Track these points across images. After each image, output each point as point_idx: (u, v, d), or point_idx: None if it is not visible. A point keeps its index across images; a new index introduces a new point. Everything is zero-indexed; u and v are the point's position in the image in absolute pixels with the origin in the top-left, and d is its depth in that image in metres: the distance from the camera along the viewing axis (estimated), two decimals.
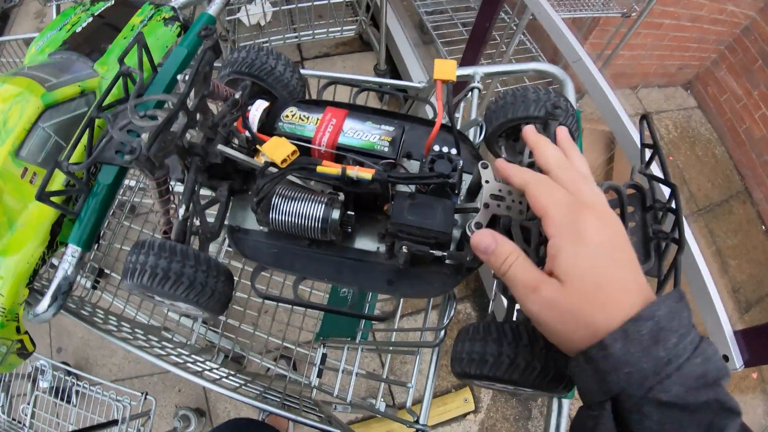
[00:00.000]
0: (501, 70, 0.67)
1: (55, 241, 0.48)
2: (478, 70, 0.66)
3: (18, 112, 0.45)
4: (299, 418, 0.46)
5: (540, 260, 0.38)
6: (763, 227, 2.07)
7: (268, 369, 0.96)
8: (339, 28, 1.67)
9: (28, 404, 1.04)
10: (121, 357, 1.41)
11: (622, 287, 0.28)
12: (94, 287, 0.89)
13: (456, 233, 0.43)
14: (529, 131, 0.38)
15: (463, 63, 1.39)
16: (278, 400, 0.63)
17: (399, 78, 1.76)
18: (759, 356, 0.73)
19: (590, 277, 0.28)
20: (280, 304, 1.00)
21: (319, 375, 0.80)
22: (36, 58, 0.55)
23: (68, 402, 1.07)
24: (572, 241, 0.29)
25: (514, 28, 1.43)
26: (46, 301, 0.43)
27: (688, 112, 2.39)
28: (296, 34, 1.63)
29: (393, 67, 1.83)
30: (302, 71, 0.53)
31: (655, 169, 0.44)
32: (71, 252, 0.45)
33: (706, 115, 2.38)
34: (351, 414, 1.37)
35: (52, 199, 0.41)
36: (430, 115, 1.02)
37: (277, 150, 0.37)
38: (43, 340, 1.42)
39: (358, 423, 1.37)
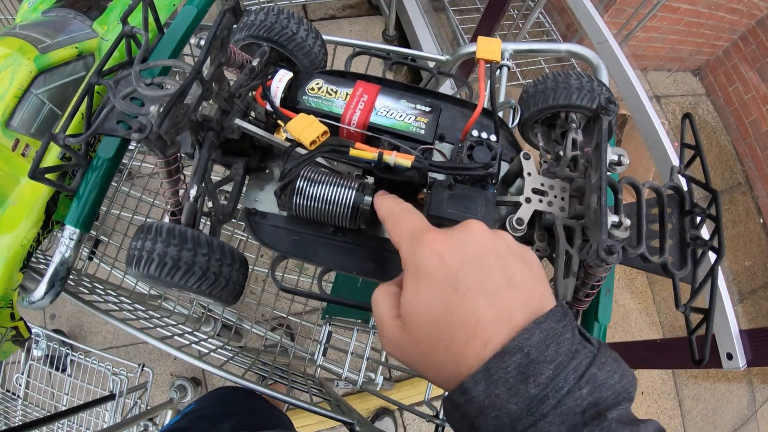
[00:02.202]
0: (532, 47, 0.63)
1: (50, 221, 0.44)
2: (508, 47, 0.61)
3: (8, 77, 0.40)
4: (314, 408, 0.44)
5: (582, 262, 0.35)
6: (761, 220, 2.08)
7: (265, 339, 0.95)
8: None
9: (22, 374, 1.02)
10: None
11: (473, 321, 0.23)
12: (90, 258, 0.86)
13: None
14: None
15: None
16: (285, 382, 0.61)
17: (408, 45, 1.69)
18: (762, 357, 0.73)
19: (427, 318, 0.24)
20: (285, 275, 0.97)
21: (324, 353, 0.78)
22: (29, 16, 0.50)
23: (63, 372, 1.05)
24: (411, 278, 0.26)
25: (532, 4, 1.37)
26: (42, 287, 0.39)
27: (695, 99, 2.35)
28: None
29: (401, 34, 1.75)
30: (324, 37, 0.48)
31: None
32: (69, 234, 0.41)
33: (713, 103, 2.35)
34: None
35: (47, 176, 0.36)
36: (446, 92, 0.97)
37: (305, 129, 0.33)
38: None
39: (353, 395, 1.38)
